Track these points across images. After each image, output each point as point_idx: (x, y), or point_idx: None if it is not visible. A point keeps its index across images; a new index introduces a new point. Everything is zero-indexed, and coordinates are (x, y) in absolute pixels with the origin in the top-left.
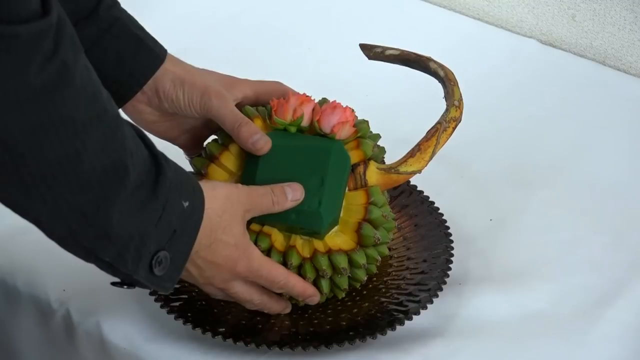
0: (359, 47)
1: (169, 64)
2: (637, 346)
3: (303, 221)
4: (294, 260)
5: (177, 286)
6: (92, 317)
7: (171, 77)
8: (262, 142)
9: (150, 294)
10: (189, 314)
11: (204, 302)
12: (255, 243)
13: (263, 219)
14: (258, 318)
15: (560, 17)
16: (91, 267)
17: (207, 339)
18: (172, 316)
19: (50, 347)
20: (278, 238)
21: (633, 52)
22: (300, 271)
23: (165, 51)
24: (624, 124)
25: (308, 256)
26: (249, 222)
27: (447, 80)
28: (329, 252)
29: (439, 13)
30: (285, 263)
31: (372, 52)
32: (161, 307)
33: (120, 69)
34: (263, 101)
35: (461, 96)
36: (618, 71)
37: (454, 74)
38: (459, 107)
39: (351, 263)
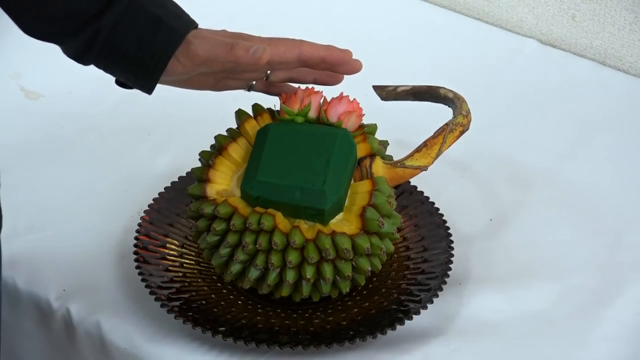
0: (372, 89)
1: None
2: (637, 346)
3: (307, 199)
4: (297, 239)
5: (177, 285)
6: (92, 317)
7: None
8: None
9: (150, 293)
10: (189, 314)
11: (203, 302)
12: (259, 222)
13: (267, 202)
14: (258, 318)
15: (560, 17)
16: (91, 267)
17: (207, 338)
18: (172, 316)
19: (50, 347)
20: (282, 220)
21: (633, 52)
22: (303, 252)
23: (187, 24)
24: (624, 124)
25: (311, 237)
26: (254, 204)
27: (455, 99)
28: (333, 234)
29: (439, 13)
30: (288, 242)
31: (384, 91)
32: (161, 306)
33: (142, 51)
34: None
35: (469, 110)
36: (618, 71)
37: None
38: (467, 117)
39: (355, 248)
